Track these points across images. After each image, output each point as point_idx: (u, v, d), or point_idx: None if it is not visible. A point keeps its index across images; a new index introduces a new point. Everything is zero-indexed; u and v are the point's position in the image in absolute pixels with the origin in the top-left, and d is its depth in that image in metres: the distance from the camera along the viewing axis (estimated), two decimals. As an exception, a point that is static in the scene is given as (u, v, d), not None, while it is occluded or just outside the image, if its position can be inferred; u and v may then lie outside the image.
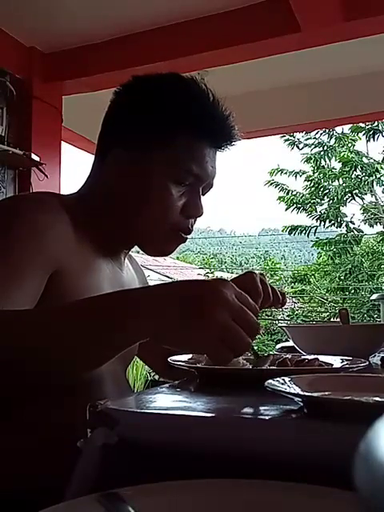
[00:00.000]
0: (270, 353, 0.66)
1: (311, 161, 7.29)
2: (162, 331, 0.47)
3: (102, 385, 0.67)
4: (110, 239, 0.74)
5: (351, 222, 7.33)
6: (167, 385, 0.59)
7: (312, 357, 0.67)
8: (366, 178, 7.07)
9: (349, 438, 0.29)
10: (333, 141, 7.21)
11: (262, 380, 0.45)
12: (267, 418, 0.40)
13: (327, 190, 7.28)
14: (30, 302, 0.58)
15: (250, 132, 2.82)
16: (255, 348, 0.60)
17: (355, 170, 7.05)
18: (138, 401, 0.49)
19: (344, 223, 7.26)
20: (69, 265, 0.64)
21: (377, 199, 7.41)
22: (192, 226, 0.75)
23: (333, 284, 7.50)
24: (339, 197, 7.12)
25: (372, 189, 7.27)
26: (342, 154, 7.12)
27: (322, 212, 7.22)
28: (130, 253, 0.85)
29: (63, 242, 0.64)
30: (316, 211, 7.25)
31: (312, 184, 7.30)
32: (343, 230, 7.31)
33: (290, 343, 0.90)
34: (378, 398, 0.41)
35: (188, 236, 0.76)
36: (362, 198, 7.34)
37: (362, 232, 7.44)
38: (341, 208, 7.23)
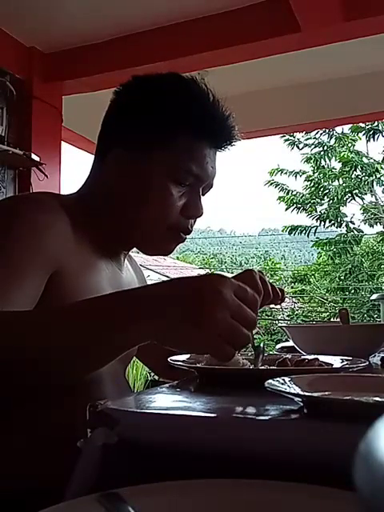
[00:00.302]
0: (262, 344, 0.67)
1: (311, 161, 7.30)
2: (162, 332, 0.47)
3: (101, 385, 0.67)
4: (110, 239, 0.74)
5: (351, 222, 7.34)
6: (167, 385, 0.59)
7: (312, 357, 0.67)
8: (366, 177, 7.07)
9: (349, 437, 0.29)
10: (333, 141, 7.21)
11: (262, 380, 0.45)
12: (267, 418, 0.40)
13: (327, 190, 7.28)
14: (30, 303, 0.58)
15: (250, 132, 2.82)
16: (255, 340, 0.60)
17: (355, 170, 7.05)
18: (137, 401, 0.49)
19: (344, 223, 7.26)
20: (68, 265, 0.64)
21: (377, 199, 7.41)
22: (192, 226, 0.75)
23: (333, 284, 7.50)
24: (339, 197, 7.12)
25: (372, 189, 7.27)
26: (342, 154, 7.12)
27: (322, 212, 7.22)
28: (130, 253, 0.85)
29: (63, 242, 0.64)
30: (316, 211, 7.25)
31: (312, 184, 7.30)
32: (343, 230, 7.31)
33: (290, 343, 0.90)
34: (378, 398, 0.41)
35: (187, 236, 0.76)
36: (362, 198, 7.34)
37: (362, 232, 7.44)
38: (341, 208, 7.23)
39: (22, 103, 2.47)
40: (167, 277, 8.06)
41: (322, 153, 7.23)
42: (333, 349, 0.73)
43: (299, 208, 7.27)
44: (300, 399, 0.42)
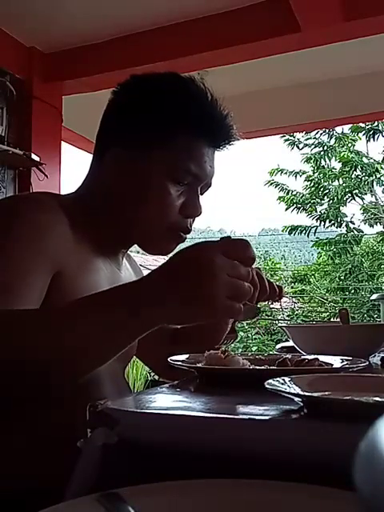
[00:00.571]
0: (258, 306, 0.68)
1: (311, 161, 7.30)
2: (173, 311, 0.49)
3: (100, 385, 0.67)
4: (109, 239, 0.74)
5: (351, 222, 7.33)
6: (167, 385, 0.59)
7: (312, 357, 0.67)
8: (366, 178, 7.07)
9: (349, 437, 0.29)
10: (333, 141, 7.21)
11: (262, 380, 0.45)
12: (267, 418, 0.40)
13: (327, 190, 7.28)
14: (36, 300, 0.58)
15: (250, 132, 2.82)
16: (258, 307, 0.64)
17: (355, 170, 7.05)
18: (137, 401, 0.49)
19: (344, 223, 7.26)
20: (68, 265, 0.64)
21: (377, 199, 7.41)
22: (191, 226, 0.75)
23: (333, 284, 7.50)
24: (339, 197, 7.11)
25: (372, 189, 7.27)
26: (341, 154, 7.12)
27: (322, 212, 7.22)
28: (129, 252, 0.85)
29: (63, 242, 0.64)
30: (316, 211, 7.25)
31: (312, 184, 7.30)
32: (343, 230, 7.31)
33: (290, 343, 0.90)
34: (377, 398, 0.41)
35: (187, 235, 0.76)
36: (362, 198, 7.34)
37: (362, 232, 7.44)
38: (341, 208, 7.23)
39: (22, 103, 2.47)
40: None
41: (322, 153, 7.23)
42: (333, 349, 0.72)
43: (299, 208, 7.26)
44: (300, 399, 0.42)
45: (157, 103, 0.71)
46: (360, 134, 6.93)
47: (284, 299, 7.13)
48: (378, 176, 7.08)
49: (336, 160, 7.23)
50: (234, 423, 0.40)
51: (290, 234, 7.36)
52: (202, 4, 2.20)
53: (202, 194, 0.76)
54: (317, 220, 7.19)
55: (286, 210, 7.28)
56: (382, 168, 7.11)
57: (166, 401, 0.51)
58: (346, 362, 0.64)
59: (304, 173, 7.34)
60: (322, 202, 7.30)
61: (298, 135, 7.15)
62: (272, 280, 0.83)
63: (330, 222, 7.19)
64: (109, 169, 0.72)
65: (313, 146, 7.27)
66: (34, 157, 2.40)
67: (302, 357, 0.70)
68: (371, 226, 7.45)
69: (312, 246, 7.81)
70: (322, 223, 7.20)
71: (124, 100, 0.74)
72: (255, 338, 6.52)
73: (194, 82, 0.72)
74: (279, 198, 7.31)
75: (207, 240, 0.53)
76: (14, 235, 0.60)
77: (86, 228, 0.70)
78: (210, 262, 0.48)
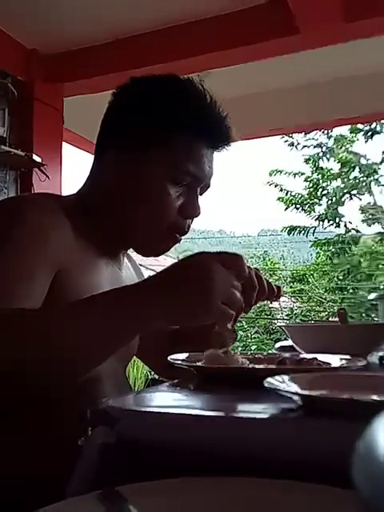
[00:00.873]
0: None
1: (310, 162, 7.31)
2: (172, 312, 0.53)
3: (101, 384, 0.67)
4: (109, 239, 0.75)
5: (349, 222, 7.35)
6: (167, 384, 0.59)
7: (311, 356, 0.67)
8: (365, 178, 7.08)
9: (347, 436, 0.30)
10: (331, 142, 7.23)
11: (261, 379, 0.45)
12: (266, 416, 0.40)
13: (326, 191, 7.29)
14: (36, 302, 0.58)
15: (250, 133, 2.83)
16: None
17: (353, 170, 7.06)
18: (138, 399, 0.49)
19: (342, 223, 7.27)
20: (69, 265, 0.64)
21: (375, 200, 7.42)
22: (189, 227, 0.76)
23: (331, 284, 7.51)
24: (338, 197, 7.13)
25: (370, 189, 7.28)
26: (340, 155, 7.13)
27: (321, 212, 7.23)
28: (128, 252, 0.85)
29: (64, 242, 0.64)
30: (315, 212, 7.26)
31: (311, 184, 7.31)
32: (342, 230, 7.32)
33: (289, 342, 0.91)
34: (376, 397, 0.42)
35: (183, 236, 0.77)
36: (360, 199, 7.35)
37: (360, 232, 7.45)
38: (339, 208, 7.24)
39: (24, 105, 2.47)
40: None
41: (321, 154, 7.24)
42: (331, 348, 0.73)
43: (298, 208, 7.28)
44: (299, 398, 0.42)
45: (156, 105, 0.71)
46: (358, 135, 6.95)
47: (283, 299, 7.13)
48: (376, 177, 7.10)
49: (335, 161, 7.25)
50: (233, 422, 0.40)
51: (288, 234, 7.37)
52: (201, 6, 2.20)
53: (201, 195, 0.76)
54: (315, 220, 7.20)
55: (285, 210, 7.30)
56: (380, 169, 7.13)
57: (165, 399, 0.52)
58: (344, 361, 0.64)
59: (303, 174, 7.36)
60: (321, 202, 7.31)
61: (297, 136, 7.16)
62: (271, 280, 0.83)
63: (328, 222, 7.20)
64: (109, 170, 0.73)
65: (312, 147, 7.29)
66: (35, 158, 2.40)
67: (301, 356, 0.70)
68: (369, 226, 7.47)
69: (311, 246, 7.82)
70: (321, 223, 7.21)
71: (123, 102, 0.74)
72: (254, 337, 6.53)
73: (192, 84, 0.73)
74: (278, 198, 7.32)
75: (206, 251, 0.56)
76: (15, 236, 0.60)
77: (87, 228, 0.70)
78: (208, 269, 0.51)
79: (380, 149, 7.20)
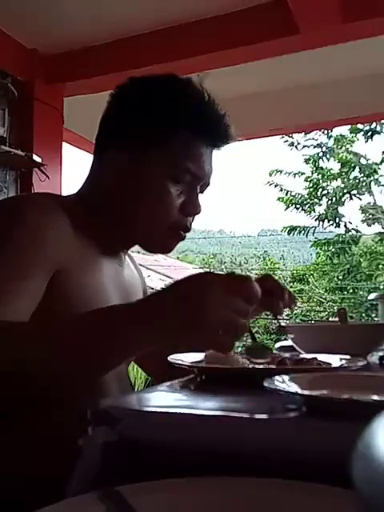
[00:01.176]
0: (263, 344, 0.69)
1: (310, 162, 7.31)
2: (162, 337, 0.50)
3: (102, 383, 0.67)
4: (110, 238, 0.75)
5: (349, 222, 7.35)
6: (167, 384, 0.59)
7: (311, 356, 0.67)
8: (365, 178, 7.09)
9: (347, 436, 0.30)
10: (331, 142, 7.23)
11: (262, 379, 0.45)
12: (266, 416, 0.40)
13: (326, 191, 7.30)
14: (33, 303, 0.58)
15: (250, 133, 2.83)
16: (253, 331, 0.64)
17: (353, 170, 7.06)
18: (138, 399, 0.49)
19: (342, 224, 7.27)
20: (70, 264, 0.64)
21: (375, 200, 7.43)
22: (191, 224, 0.76)
23: (331, 284, 7.52)
24: (338, 197, 7.13)
25: (370, 189, 7.28)
26: (340, 155, 7.14)
27: (321, 212, 7.24)
28: (129, 251, 0.85)
29: (64, 241, 0.64)
30: (315, 212, 7.27)
31: (311, 184, 7.32)
32: (341, 230, 7.33)
33: (289, 342, 0.91)
34: (376, 397, 0.42)
35: (187, 235, 0.77)
36: (360, 199, 7.36)
37: (360, 232, 7.46)
38: (339, 208, 7.24)
39: (24, 105, 2.47)
40: (167, 276, 8.06)
41: (321, 154, 7.25)
42: (331, 348, 0.73)
43: (298, 208, 7.28)
44: (299, 398, 0.42)
45: (155, 104, 0.71)
46: (358, 135, 6.95)
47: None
48: (376, 177, 7.10)
49: (335, 161, 7.25)
50: (234, 421, 0.40)
51: (288, 234, 7.37)
52: (201, 6, 2.20)
53: (201, 193, 0.76)
54: (315, 220, 7.21)
55: (285, 210, 7.30)
56: (379, 169, 7.13)
57: (166, 399, 0.52)
58: (344, 361, 0.64)
59: (303, 173, 7.36)
60: (321, 202, 7.32)
61: (297, 136, 7.17)
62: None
63: (328, 222, 7.20)
64: (109, 170, 0.73)
65: (312, 147, 7.30)
66: (35, 158, 2.40)
67: (301, 356, 0.70)
68: (369, 226, 7.48)
69: (311, 246, 7.83)
70: (321, 223, 7.22)
71: (122, 102, 0.75)
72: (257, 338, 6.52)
73: (191, 83, 0.73)
74: (278, 198, 7.33)
75: (212, 272, 0.53)
76: (14, 236, 0.60)
77: (88, 228, 0.70)
78: (208, 299, 0.47)
79: (380, 149, 7.21)
